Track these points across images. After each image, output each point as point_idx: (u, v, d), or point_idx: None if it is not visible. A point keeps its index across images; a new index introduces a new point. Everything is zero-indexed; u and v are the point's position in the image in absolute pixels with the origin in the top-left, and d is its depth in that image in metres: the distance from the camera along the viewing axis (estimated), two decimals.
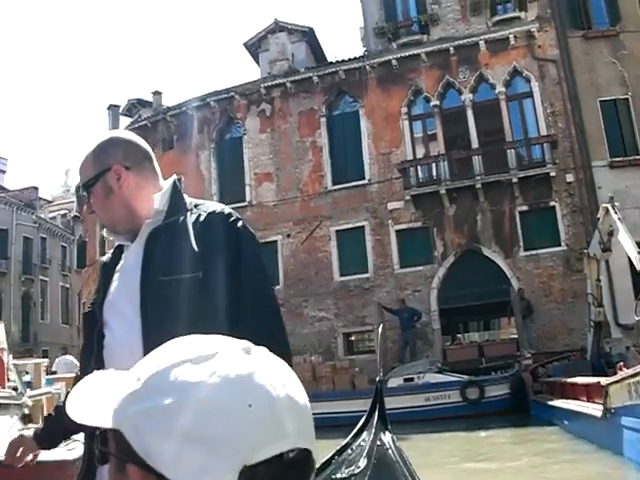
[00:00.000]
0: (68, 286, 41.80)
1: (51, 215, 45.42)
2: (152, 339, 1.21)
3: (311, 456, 0.55)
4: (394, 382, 13.94)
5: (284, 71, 20.73)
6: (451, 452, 9.32)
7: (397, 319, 16.53)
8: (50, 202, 47.48)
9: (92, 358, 1.44)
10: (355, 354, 18.25)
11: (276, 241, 19.75)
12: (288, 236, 19.69)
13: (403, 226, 18.47)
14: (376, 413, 3.75)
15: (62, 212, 45.96)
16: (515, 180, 17.20)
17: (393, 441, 3.37)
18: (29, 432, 1.64)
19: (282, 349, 1.34)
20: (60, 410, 1.59)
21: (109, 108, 27.15)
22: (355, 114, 19.86)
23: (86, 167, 1.46)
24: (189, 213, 1.44)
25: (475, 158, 17.74)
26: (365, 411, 12.53)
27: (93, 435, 1.05)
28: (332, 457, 3.07)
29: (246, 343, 0.58)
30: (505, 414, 12.28)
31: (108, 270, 1.50)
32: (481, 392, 13.15)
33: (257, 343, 0.59)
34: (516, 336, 16.16)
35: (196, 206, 1.47)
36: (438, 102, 18.88)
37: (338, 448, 3.25)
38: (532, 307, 16.02)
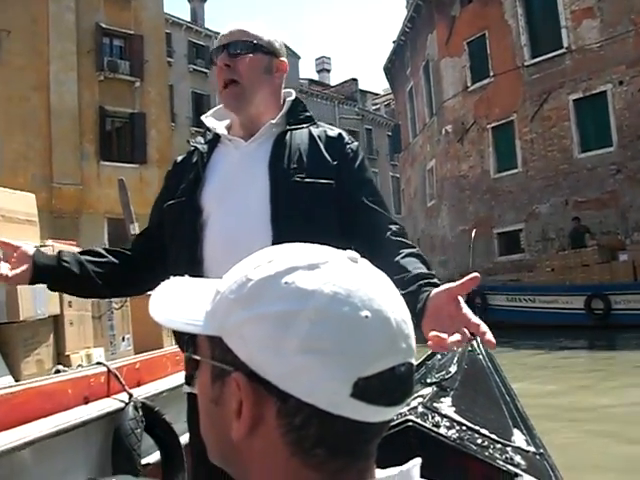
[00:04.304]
0: (398, 175, 45.43)
1: (375, 107, 49.33)
2: (282, 238, 1.31)
3: (414, 369, 0.60)
4: None
5: None
6: None
7: None
8: (375, 94, 51.35)
9: (181, 254, 1.59)
10: None
11: (604, 92, 18.70)
12: (620, 83, 18.36)
13: None
14: None
15: (385, 102, 49.46)
16: None
17: (484, 346, 3.48)
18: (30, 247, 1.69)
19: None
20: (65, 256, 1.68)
21: None
22: None
23: (259, 34, 1.64)
24: (313, 127, 1.67)
25: None
26: None
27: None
28: (422, 362, 3.29)
29: (352, 253, 0.62)
30: None
31: (205, 160, 1.66)
32: None
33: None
34: None
35: (316, 123, 1.70)
36: None
37: (428, 353, 3.47)
38: None
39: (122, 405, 2.63)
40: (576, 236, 16.90)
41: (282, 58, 1.69)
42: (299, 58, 40.90)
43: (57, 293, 3.07)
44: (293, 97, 1.72)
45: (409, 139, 30.82)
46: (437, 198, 25.71)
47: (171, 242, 1.65)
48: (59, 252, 1.69)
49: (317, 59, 50.78)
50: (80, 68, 19.94)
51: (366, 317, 0.56)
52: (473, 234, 9.37)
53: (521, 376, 9.60)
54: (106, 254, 1.73)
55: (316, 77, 48.64)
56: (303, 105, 1.74)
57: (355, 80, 47.37)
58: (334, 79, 49.45)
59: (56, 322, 3.09)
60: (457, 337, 1.11)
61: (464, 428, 2.49)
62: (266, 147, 1.60)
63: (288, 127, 1.64)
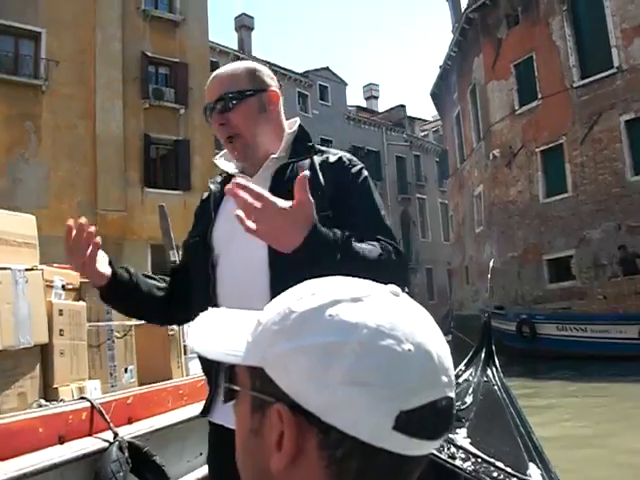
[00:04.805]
0: (447, 202, 44.95)
1: (423, 133, 49.18)
2: (280, 274, 1.45)
3: (454, 403, 0.61)
4: None
5: None
6: None
7: None
8: (423, 120, 51.25)
9: (199, 290, 1.64)
10: None
11: None
12: None
13: None
14: (484, 348, 4.05)
15: (434, 128, 49.27)
16: None
17: (500, 377, 3.57)
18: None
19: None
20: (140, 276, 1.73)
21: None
22: None
23: (239, 78, 1.62)
24: (316, 156, 1.64)
25: None
26: None
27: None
28: None
29: (393, 287, 0.64)
30: None
31: (217, 200, 1.68)
32: None
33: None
34: None
35: (322, 151, 1.67)
36: None
37: None
38: None
39: (105, 445, 2.40)
40: (626, 263, 16.31)
41: (272, 88, 1.65)
42: (346, 85, 40.95)
43: (45, 321, 2.92)
44: (296, 127, 1.70)
45: (457, 165, 30.45)
46: (485, 224, 25.23)
47: (193, 279, 1.71)
48: (125, 267, 1.71)
49: (365, 86, 50.88)
50: (126, 96, 20.19)
51: (409, 350, 0.56)
52: (491, 264, 9.17)
53: (569, 408, 9.20)
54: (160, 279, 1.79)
55: (364, 104, 48.74)
56: (307, 135, 1.71)
57: (403, 106, 47.22)
58: (382, 106, 49.47)
59: (44, 352, 2.87)
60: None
61: (479, 460, 2.49)
62: (267, 182, 1.58)
63: (289, 160, 1.62)
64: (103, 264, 1.61)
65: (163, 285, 1.77)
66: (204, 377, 1.69)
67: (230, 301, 1.49)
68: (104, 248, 1.69)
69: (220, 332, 0.67)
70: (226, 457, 1.13)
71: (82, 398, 2.64)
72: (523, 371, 14.69)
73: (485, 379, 3.51)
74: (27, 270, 2.83)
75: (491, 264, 6.75)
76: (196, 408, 3.19)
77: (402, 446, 0.56)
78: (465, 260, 28.95)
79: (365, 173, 1.64)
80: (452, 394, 0.60)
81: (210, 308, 1.39)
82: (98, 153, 19.25)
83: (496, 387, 3.43)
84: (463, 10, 25.56)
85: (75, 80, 19.14)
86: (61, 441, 2.31)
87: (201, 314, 0.73)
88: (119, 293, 1.66)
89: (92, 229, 1.53)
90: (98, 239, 1.54)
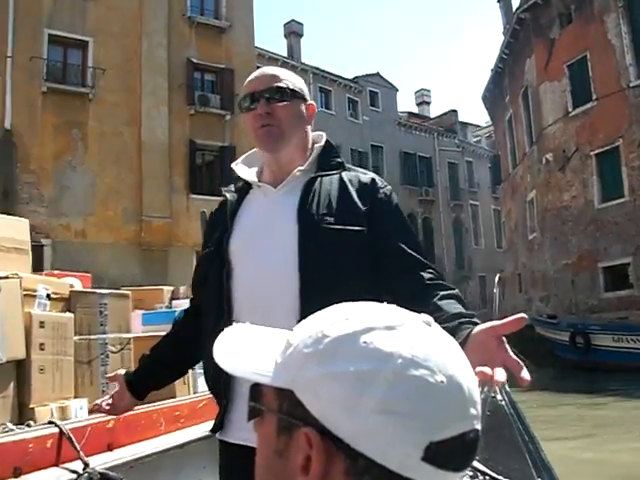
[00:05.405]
0: (500, 208, 43.93)
1: (476, 139, 48.38)
2: (310, 286, 1.44)
3: (480, 435, 0.60)
4: None
5: None
6: None
7: None
8: (476, 126, 50.47)
9: (213, 302, 1.60)
10: None
11: None
12: None
13: None
14: None
15: (487, 134, 48.43)
16: None
17: (507, 392, 3.42)
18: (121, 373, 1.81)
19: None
20: (156, 355, 1.82)
21: (499, 0, 27.86)
22: None
23: (292, 79, 1.64)
24: (345, 172, 1.63)
25: None
26: None
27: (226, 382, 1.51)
28: None
29: (426, 316, 0.64)
30: None
31: (233, 209, 1.64)
32: None
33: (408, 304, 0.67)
34: None
35: (350, 168, 1.66)
36: None
37: None
38: None
39: (72, 477, 2.05)
40: None
41: (310, 101, 1.67)
42: (397, 91, 40.49)
43: (22, 334, 2.66)
44: (324, 141, 1.69)
45: (509, 170, 29.71)
46: (538, 231, 24.50)
47: (205, 293, 1.67)
48: (140, 359, 1.85)
49: (417, 92, 50.36)
50: (171, 103, 20.25)
51: (441, 382, 0.56)
52: (497, 278, 8.80)
53: (624, 427, 8.75)
54: (174, 339, 1.85)
55: (416, 110, 48.21)
56: (335, 150, 1.70)
57: (455, 112, 46.51)
58: (434, 111, 48.85)
59: (20, 368, 2.58)
60: (503, 375, 1.04)
61: (487, 478, 2.21)
62: (295, 194, 1.56)
63: (317, 173, 1.60)
64: (124, 398, 1.75)
65: (182, 331, 1.81)
66: (211, 394, 1.65)
67: (249, 316, 1.36)
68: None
69: (247, 349, 0.66)
70: (241, 476, 1.20)
71: (50, 422, 2.32)
72: (577, 384, 14.11)
73: (492, 395, 3.34)
74: (1, 278, 2.57)
75: (497, 279, 6.49)
76: (195, 431, 2.87)
77: (429, 476, 0.55)
78: (518, 268, 28.19)
79: (395, 196, 1.65)
80: (479, 426, 0.59)
81: (224, 320, 1.48)
82: (143, 160, 19.35)
83: (503, 402, 3.27)
84: (514, 11, 24.96)
85: (121, 88, 19.31)
86: (16, 474, 2.01)
87: (215, 326, 0.73)
88: (152, 385, 1.81)
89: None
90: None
